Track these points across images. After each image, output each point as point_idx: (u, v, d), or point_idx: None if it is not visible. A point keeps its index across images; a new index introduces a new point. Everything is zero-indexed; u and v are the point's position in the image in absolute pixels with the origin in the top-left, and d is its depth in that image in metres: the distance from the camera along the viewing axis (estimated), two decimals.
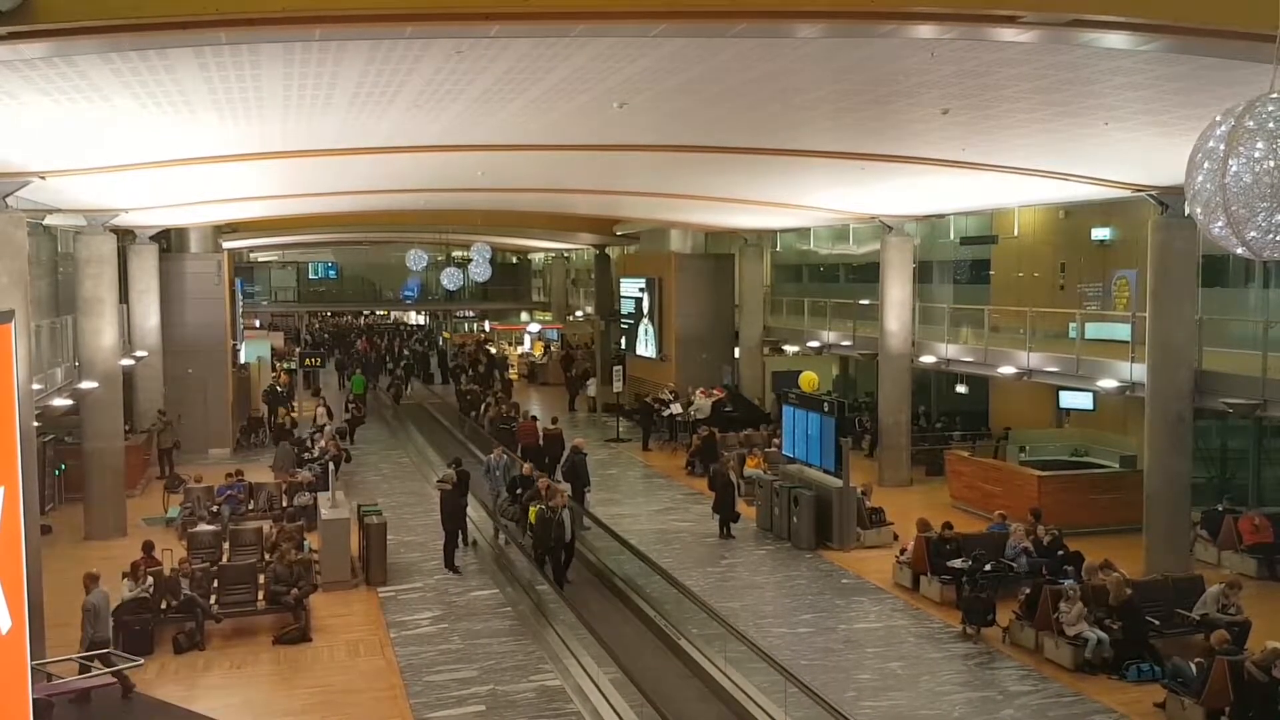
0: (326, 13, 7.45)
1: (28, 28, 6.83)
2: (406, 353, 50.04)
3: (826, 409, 19.87)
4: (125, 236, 24.57)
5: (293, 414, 29.26)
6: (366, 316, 69.07)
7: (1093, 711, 11.89)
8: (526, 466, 20.36)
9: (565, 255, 50.20)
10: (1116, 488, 19.52)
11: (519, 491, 19.06)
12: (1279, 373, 15.12)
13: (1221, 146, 4.99)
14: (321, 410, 28.68)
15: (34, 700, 4.99)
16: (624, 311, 36.86)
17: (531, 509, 17.34)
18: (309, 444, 24.79)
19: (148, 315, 25.66)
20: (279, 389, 32.52)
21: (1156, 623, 13.39)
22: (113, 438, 20.37)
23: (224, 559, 16.62)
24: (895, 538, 18.44)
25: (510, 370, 44.60)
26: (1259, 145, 4.88)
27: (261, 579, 15.10)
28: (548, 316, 52.35)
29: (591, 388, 36.08)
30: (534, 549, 16.94)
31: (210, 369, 27.76)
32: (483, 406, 31.07)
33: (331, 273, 61.04)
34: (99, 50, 8.33)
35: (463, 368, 42.87)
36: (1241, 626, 12.85)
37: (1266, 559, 16.90)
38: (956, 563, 15.36)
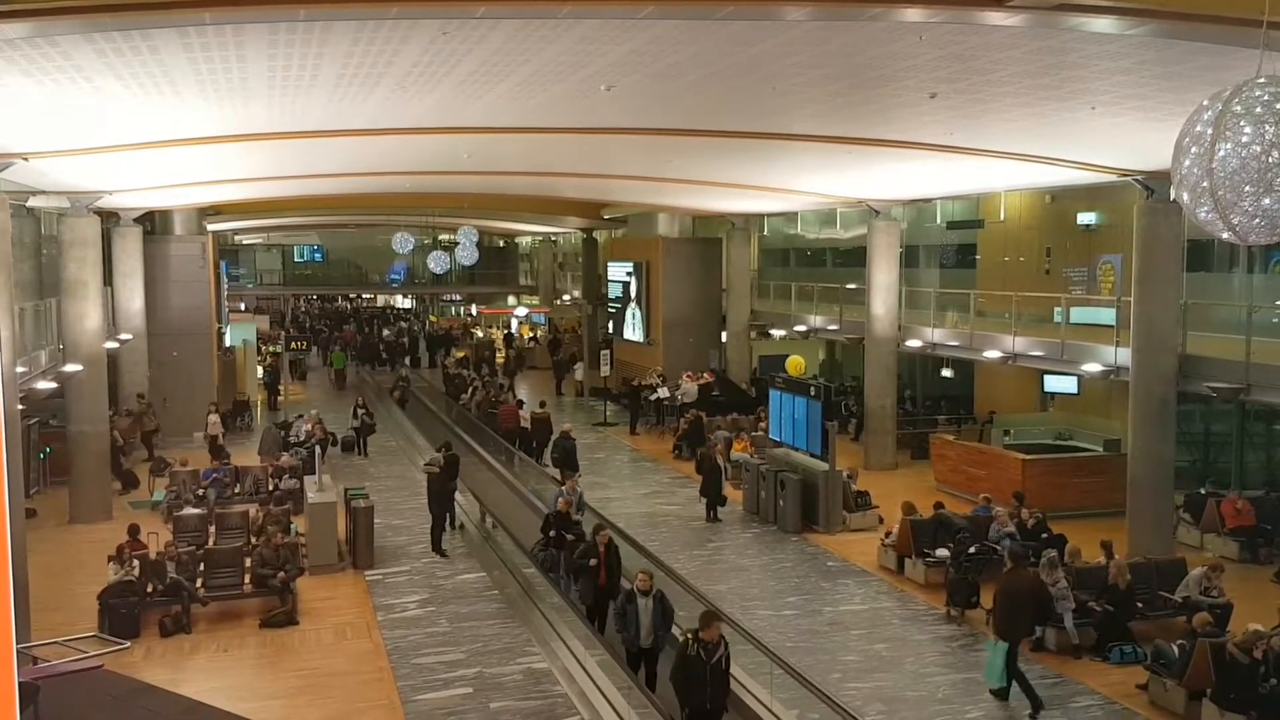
0: None
1: (7, 7, 6.78)
2: (391, 339, 49.37)
3: (813, 393, 19.92)
4: (109, 219, 24.38)
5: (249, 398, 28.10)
6: (353, 300, 68.73)
7: (1076, 693, 11.99)
8: (562, 501, 15.30)
9: (552, 239, 50.04)
10: (1100, 471, 19.65)
11: (552, 534, 14.90)
12: (1262, 357, 15.20)
13: (1209, 131, 5.00)
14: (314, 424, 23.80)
15: (20, 684, 4.98)
16: (611, 295, 36.80)
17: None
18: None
19: (132, 298, 25.49)
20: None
21: (1140, 605, 13.51)
22: (98, 421, 20.29)
23: (210, 542, 16.58)
24: (880, 521, 18.54)
25: (498, 355, 44.45)
26: (1246, 129, 4.90)
27: (248, 562, 15.07)
28: (535, 300, 52.22)
29: (579, 372, 36.05)
30: (678, 702, 10.11)
31: (195, 352, 27.61)
32: (469, 390, 31.05)
33: (317, 256, 60.76)
34: (81, 30, 8.25)
35: (476, 363, 42.02)
36: (1223, 609, 12.97)
37: (1248, 542, 17.03)
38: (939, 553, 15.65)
